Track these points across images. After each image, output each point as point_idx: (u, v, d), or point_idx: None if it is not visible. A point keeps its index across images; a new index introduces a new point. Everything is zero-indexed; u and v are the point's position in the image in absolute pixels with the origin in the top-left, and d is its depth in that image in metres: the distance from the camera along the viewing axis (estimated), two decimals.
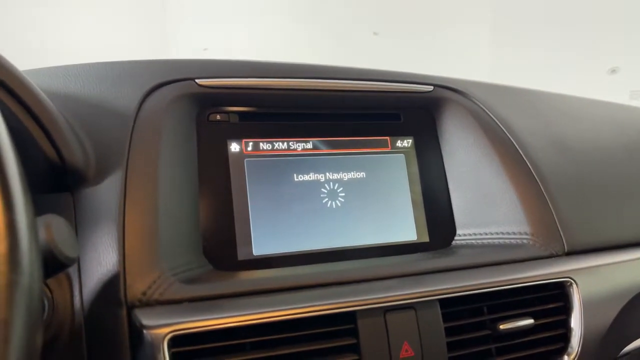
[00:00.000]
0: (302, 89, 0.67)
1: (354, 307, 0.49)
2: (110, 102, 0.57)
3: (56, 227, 0.37)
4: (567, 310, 0.59)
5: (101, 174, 0.52)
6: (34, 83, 0.47)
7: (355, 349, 0.49)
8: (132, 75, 0.61)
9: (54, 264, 0.37)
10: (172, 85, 0.61)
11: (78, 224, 0.50)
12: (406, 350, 0.50)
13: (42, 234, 0.37)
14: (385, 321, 0.50)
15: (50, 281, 0.47)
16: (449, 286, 0.54)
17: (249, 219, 0.62)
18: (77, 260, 0.47)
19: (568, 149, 0.75)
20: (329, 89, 0.68)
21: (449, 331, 0.53)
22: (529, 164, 0.69)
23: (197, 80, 0.62)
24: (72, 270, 0.48)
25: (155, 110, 0.57)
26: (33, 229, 0.28)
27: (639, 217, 0.74)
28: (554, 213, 0.66)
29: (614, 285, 0.64)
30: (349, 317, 0.50)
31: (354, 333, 0.49)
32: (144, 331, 0.43)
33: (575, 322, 0.59)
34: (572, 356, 0.58)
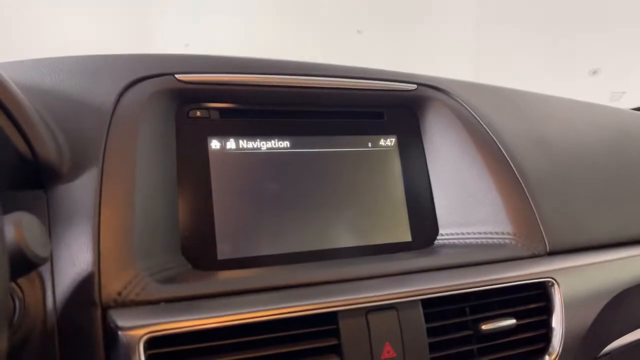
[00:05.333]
0: (284, 85, 0.66)
1: (336, 308, 0.49)
2: (87, 96, 0.56)
3: (26, 225, 0.36)
4: (548, 310, 0.60)
5: (76, 171, 0.50)
6: (5, 75, 0.45)
7: (336, 349, 0.49)
8: (110, 69, 0.59)
9: (24, 263, 0.36)
10: (151, 80, 0.59)
11: (51, 221, 0.49)
12: (388, 352, 0.50)
13: (11, 232, 0.35)
14: (367, 322, 0.50)
15: (21, 281, 0.45)
16: (431, 286, 0.53)
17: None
18: (48, 259, 0.46)
19: (551, 149, 0.75)
20: (312, 86, 0.67)
21: (431, 332, 0.52)
22: (511, 163, 0.69)
23: (176, 76, 0.61)
24: (45, 270, 0.46)
25: (134, 106, 0.56)
26: None
27: (620, 217, 0.75)
28: (536, 213, 0.66)
29: (595, 286, 0.64)
30: (331, 318, 0.49)
31: (336, 334, 0.49)
32: (119, 332, 0.42)
33: (557, 322, 0.59)
34: (554, 356, 0.58)
